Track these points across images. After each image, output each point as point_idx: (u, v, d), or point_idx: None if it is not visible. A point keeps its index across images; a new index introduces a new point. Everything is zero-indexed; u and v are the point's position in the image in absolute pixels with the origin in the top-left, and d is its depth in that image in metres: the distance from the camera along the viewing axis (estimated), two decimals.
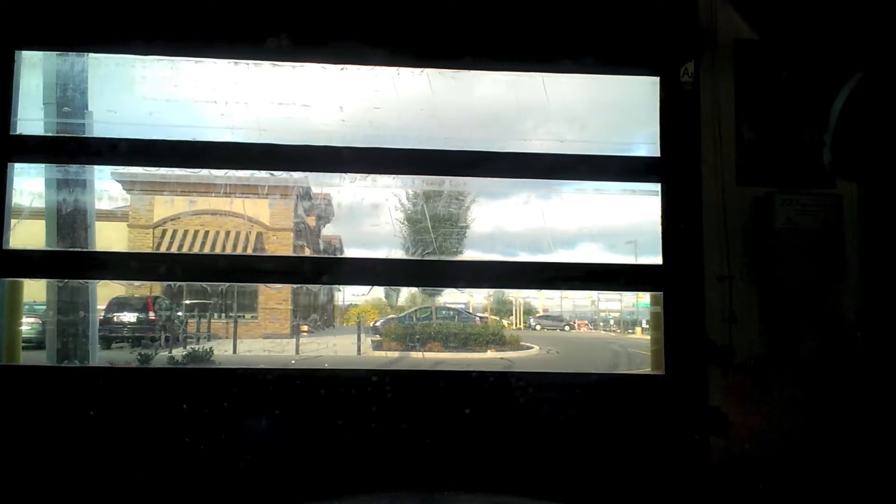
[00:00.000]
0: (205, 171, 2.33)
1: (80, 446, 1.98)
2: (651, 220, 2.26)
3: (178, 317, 15.02)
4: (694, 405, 2.09)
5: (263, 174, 2.38)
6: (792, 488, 2.03)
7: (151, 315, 14.01)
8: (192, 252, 13.44)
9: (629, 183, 2.66)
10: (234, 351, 13.80)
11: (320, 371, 2.14)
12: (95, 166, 3.01)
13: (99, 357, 3.52)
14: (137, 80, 2.61)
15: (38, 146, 2.22)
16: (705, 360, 2.11)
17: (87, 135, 2.74)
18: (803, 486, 2.03)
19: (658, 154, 2.23)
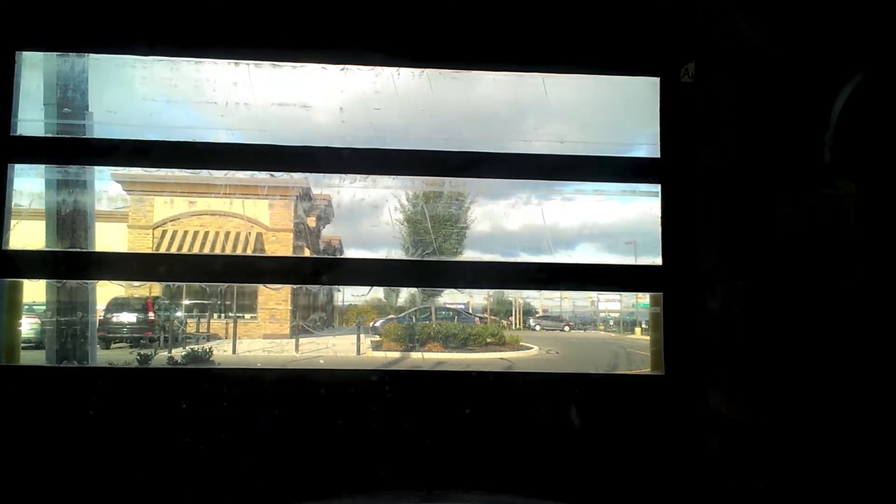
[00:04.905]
0: (205, 172, 2.33)
1: (80, 446, 1.98)
2: (651, 220, 2.26)
3: (178, 317, 15.04)
4: (694, 405, 2.10)
5: (263, 175, 2.38)
6: (792, 489, 2.03)
7: (151, 315, 14.03)
8: (191, 252, 13.45)
9: (629, 184, 2.66)
10: (234, 351, 13.83)
11: (320, 371, 2.14)
12: (95, 167, 3.01)
13: (98, 357, 3.52)
14: (138, 81, 2.62)
15: (39, 147, 2.22)
16: (705, 360, 2.11)
17: (87, 136, 2.73)
18: (803, 487, 2.04)
19: (658, 155, 2.23)
